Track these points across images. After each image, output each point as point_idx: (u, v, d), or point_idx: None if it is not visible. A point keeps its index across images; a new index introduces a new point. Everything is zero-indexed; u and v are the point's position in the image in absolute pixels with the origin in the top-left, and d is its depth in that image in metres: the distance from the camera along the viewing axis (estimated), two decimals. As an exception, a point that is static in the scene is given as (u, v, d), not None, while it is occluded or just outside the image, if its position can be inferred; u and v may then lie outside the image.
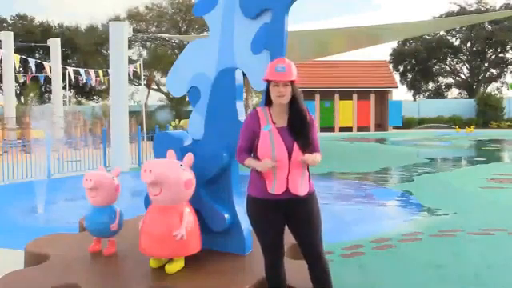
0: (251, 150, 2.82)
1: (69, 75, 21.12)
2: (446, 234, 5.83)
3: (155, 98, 36.41)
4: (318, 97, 29.25)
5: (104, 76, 21.42)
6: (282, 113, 2.77)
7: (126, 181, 9.51)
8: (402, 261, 4.83)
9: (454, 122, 31.85)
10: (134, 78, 27.32)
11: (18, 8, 73.22)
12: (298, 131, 2.71)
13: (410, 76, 47.11)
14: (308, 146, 2.72)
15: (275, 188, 2.70)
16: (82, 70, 21.41)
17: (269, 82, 2.74)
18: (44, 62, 20.88)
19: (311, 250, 2.81)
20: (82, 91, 39.99)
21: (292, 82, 2.72)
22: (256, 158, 2.77)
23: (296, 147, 2.69)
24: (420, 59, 44.39)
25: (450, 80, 47.34)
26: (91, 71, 21.58)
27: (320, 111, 29.16)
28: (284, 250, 2.90)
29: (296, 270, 3.05)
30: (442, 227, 6.15)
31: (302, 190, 2.74)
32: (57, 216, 7.31)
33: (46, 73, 20.21)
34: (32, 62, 18.72)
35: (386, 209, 7.97)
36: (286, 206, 2.75)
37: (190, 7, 33.25)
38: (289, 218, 2.79)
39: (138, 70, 19.55)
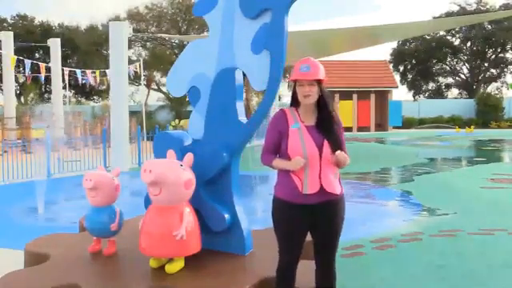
0: (277, 151, 2.77)
1: (63, 75, 21.09)
2: (445, 234, 5.83)
3: (155, 98, 36.46)
4: (317, 97, 29.24)
5: (103, 76, 21.40)
6: (309, 112, 2.75)
7: (125, 181, 9.52)
8: (402, 261, 4.82)
9: (454, 121, 31.87)
10: (135, 79, 27.32)
11: (18, 8, 73.30)
12: (328, 129, 2.70)
13: (410, 76, 47.12)
14: (338, 144, 2.69)
15: (308, 188, 2.64)
16: (78, 71, 21.43)
17: (295, 82, 2.73)
18: (40, 63, 20.85)
19: (328, 254, 2.79)
20: (82, 91, 40.01)
21: (319, 82, 2.70)
22: (285, 157, 2.71)
23: (326, 145, 2.66)
24: (420, 59, 44.41)
25: (449, 80, 47.39)
26: (88, 71, 21.58)
27: (320, 111, 29.13)
28: (302, 252, 2.84)
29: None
30: (442, 227, 6.14)
31: (337, 188, 2.71)
32: (57, 216, 7.32)
33: (41, 74, 20.18)
34: (28, 63, 18.67)
35: (386, 209, 7.97)
36: (317, 210, 2.69)
37: (190, 7, 33.28)
38: (316, 220, 2.73)
39: (138, 70, 19.55)
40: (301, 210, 2.69)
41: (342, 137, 2.78)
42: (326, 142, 2.67)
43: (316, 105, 2.74)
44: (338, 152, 2.64)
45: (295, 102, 2.78)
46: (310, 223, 2.74)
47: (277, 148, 2.77)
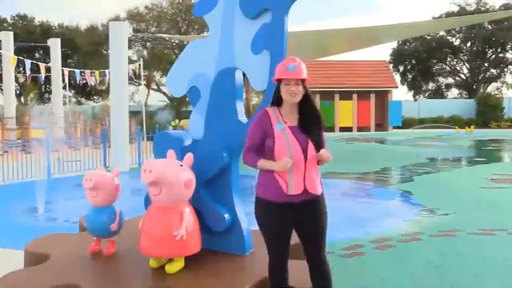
0: (259, 151, 2.76)
1: (63, 75, 21.11)
2: (446, 234, 5.83)
3: (155, 98, 36.45)
4: (318, 97, 29.24)
5: (103, 76, 21.40)
6: (292, 112, 2.75)
7: (125, 181, 9.52)
8: (402, 261, 4.83)
9: (454, 121, 31.85)
10: (135, 79, 27.32)
11: (18, 8, 73.28)
12: (312, 130, 2.70)
13: (410, 76, 47.11)
14: (322, 143, 2.71)
15: (293, 188, 2.65)
16: (77, 71, 21.43)
17: (279, 81, 2.72)
18: (39, 63, 20.86)
19: (317, 252, 2.80)
20: (82, 91, 40.02)
21: (303, 81, 2.71)
22: (269, 158, 2.70)
23: (310, 145, 2.67)
24: (420, 59, 44.40)
25: (450, 80, 47.37)
26: (87, 72, 21.59)
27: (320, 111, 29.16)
28: (290, 250, 2.87)
29: (296, 269, 3.05)
30: (442, 227, 6.15)
31: (318, 189, 2.73)
32: (57, 216, 7.32)
33: (41, 73, 20.21)
34: (28, 63, 18.68)
35: (386, 209, 7.95)
36: (299, 208, 2.71)
37: (190, 7, 33.26)
38: (300, 220, 2.75)
39: (137, 70, 19.55)
40: (284, 208, 2.70)
41: (322, 135, 2.79)
42: (310, 144, 2.68)
43: (298, 104, 2.74)
44: (323, 151, 2.65)
45: (278, 102, 2.77)
46: (294, 221, 2.76)
47: (259, 148, 2.76)
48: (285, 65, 2.70)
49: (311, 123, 2.73)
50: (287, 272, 2.87)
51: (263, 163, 2.71)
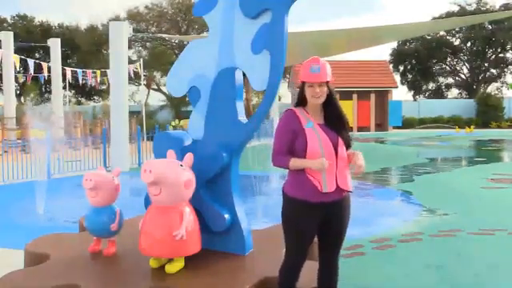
0: (290, 152, 2.71)
1: (65, 76, 21.10)
2: (446, 234, 5.83)
3: (155, 98, 36.47)
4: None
5: (103, 76, 21.42)
6: (317, 111, 2.76)
7: (125, 181, 9.52)
8: (402, 261, 4.83)
9: (454, 121, 31.85)
10: (135, 79, 27.31)
11: (18, 8, 73.30)
12: (340, 127, 2.72)
13: (410, 76, 47.11)
14: (350, 140, 2.74)
15: (327, 186, 2.63)
16: (79, 71, 21.44)
17: (303, 82, 2.72)
18: (42, 62, 20.88)
19: (333, 251, 2.80)
20: (82, 91, 40.02)
21: (327, 82, 2.70)
22: (300, 157, 2.67)
23: (340, 142, 2.69)
24: (420, 59, 44.40)
25: (450, 80, 47.38)
26: (89, 71, 21.59)
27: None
28: (309, 251, 2.84)
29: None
30: (442, 227, 6.15)
31: (350, 186, 2.73)
32: (57, 216, 7.31)
33: (43, 73, 20.22)
34: (31, 63, 18.72)
35: (386, 209, 7.96)
36: (330, 208, 2.69)
37: (190, 7, 33.28)
38: (327, 219, 2.72)
39: (138, 69, 19.55)
40: (315, 208, 2.67)
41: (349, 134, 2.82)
42: (340, 141, 2.69)
43: (322, 104, 2.75)
44: (360, 157, 2.67)
45: (302, 102, 2.77)
46: (322, 220, 2.73)
47: (289, 149, 2.72)
48: (308, 67, 2.67)
49: (339, 121, 2.75)
50: (299, 276, 2.84)
51: (295, 161, 2.67)
